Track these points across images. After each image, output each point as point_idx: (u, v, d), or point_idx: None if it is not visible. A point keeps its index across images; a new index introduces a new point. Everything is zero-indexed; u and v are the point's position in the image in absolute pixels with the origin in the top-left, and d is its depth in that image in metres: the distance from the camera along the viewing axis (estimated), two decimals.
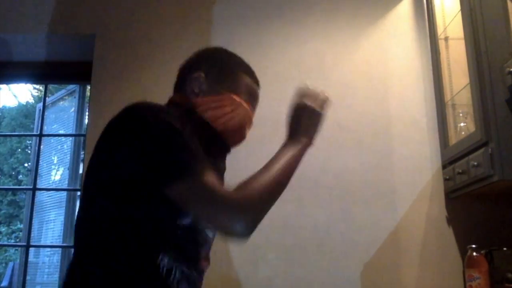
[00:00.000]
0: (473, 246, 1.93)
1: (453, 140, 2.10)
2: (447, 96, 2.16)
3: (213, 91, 1.11)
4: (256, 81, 1.19)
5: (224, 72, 1.14)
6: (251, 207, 0.93)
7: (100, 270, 0.92)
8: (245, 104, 1.13)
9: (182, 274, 0.95)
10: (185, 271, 0.96)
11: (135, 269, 0.91)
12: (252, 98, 1.17)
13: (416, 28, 2.36)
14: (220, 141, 1.12)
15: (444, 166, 2.15)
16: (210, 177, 0.91)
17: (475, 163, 1.78)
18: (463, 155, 1.92)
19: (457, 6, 1.99)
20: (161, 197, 0.90)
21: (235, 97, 1.12)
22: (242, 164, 2.22)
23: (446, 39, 2.22)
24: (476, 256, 1.91)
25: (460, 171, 1.92)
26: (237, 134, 1.16)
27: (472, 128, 1.90)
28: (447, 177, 2.09)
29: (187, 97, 1.12)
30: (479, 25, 1.80)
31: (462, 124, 2.07)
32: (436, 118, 2.23)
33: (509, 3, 1.75)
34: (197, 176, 0.90)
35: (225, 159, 1.18)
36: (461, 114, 2.10)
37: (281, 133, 2.28)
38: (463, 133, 2.04)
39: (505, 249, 1.90)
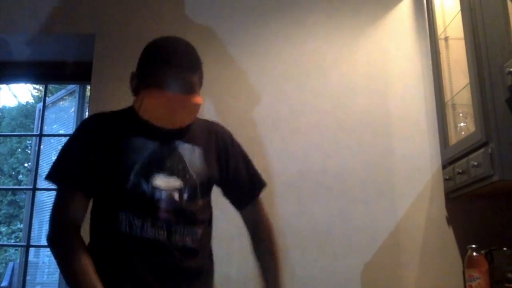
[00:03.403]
0: (473, 246, 1.93)
1: (453, 140, 2.10)
2: (447, 96, 2.16)
3: (138, 90, 1.32)
4: (170, 62, 1.26)
5: (142, 71, 1.32)
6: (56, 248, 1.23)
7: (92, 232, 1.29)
8: (157, 94, 1.24)
9: (142, 224, 1.22)
10: (145, 222, 1.22)
11: (108, 227, 1.24)
12: (168, 82, 1.24)
13: (416, 28, 2.36)
14: (151, 126, 1.28)
15: (444, 166, 2.15)
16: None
17: (475, 163, 1.78)
18: (463, 155, 1.92)
19: (457, 6, 1.99)
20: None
21: (149, 92, 1.26)
22: None
23: (446, 39, 2.22)
24: (476, 256, 1.90)
25: (460, 171, 1.92)
26: (160, 120, 1.28)
27: (472, 128, 1.90)
28: (447, 177, 2.09)
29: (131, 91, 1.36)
30: (479, 25, 1.80)
31: (462, 124, 2.07)
32: (436, 118, 2.23)
33: (509, 3, 1.75)
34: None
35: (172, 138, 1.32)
36: (461, 114, 2.10)
37: (281, 132, 2.30)
38: (463, 133, 2.04)
39: (505, 249, 1.90)
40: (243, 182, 1.47)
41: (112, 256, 1.23)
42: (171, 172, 1.27)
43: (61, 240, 1.22)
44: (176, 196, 1.26)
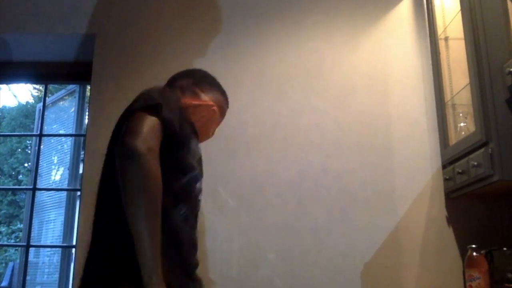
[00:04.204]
0: (473, 246, 1.93)
1: (453, 140, 2.10)
2: (447, 96, 2.16)
3: (196, 96, 1.42)
4: (227, 102, 1.53)
5: (208, 85, 1.47)
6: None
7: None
8: (216, 110, 1.45)
9: (192, 226, 1.24)
10: (193, 223, 1.25)
11: (169, 211, 1.15)
12: (221, 110, 1.50)
13: (416, 28, 2.36)
14: (193, 129, 1.33)
15: (444, 166, 2.15)
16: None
17: (475, 163, 1.78)
18: (463, 155, 1.92)
19: (457, 6, 1.99)
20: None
21: (211, 103, 1.44)
22: (242, 161, 2.24)
23: (446, 39, 2.22)
24: (476, 256, 1.90)
25: (460, 171, 1.92)
26: (205, 133, 1.44)
27: (472, 128, 1.90)
28: (447, 177, 2.09)
29: (181, 87, 1.43)
30: (479, 25, 1.80)
31: (462, 124, 2.07)
32: (436, 118, 2.23)
33: (509, 3, 1.75)
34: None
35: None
36: (461, 114, 2.10)
37: (280, 133, 2.30)
38: (463, 133, 2.04)
39: (505, 249, 1.90)
40: None
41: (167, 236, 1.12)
42: (202, 174, 1.36)
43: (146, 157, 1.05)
44: (200, 197, 1.35)
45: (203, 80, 1.48)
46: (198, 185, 1.31)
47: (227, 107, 1.54)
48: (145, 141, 1.06)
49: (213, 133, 1.51)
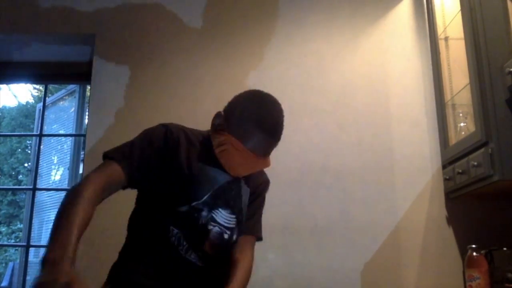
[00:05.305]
0: (473, 246, 1.92)
1: (453, 140, 2.10)
2: (447, 96, 2.16)
3: (222, 131, 1.32)
4: (267, 132, 1.29)
5: (236, 122, 1.31)
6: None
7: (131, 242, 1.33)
8: (241, 148, 1.27)
9: (188, 247, 1.26)
10: (190, 247, 1.26)
11: (156, 231, 1.27)
12: (256, 146, 1.28)
13: (416, 28, 2.36)
14: (218, 162, 1.32)
15: (444, 166, 2.15)
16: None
17: (475, 163, 1.78)
18: (463, 155, 1.92)
19: (457, 6, 1.99)
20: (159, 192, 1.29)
21: (235, 142, 1.27)
22: None
23: (446, 39, 2.22)
24: (476, 256, 1.90)
25: (460, 171, 1.92)
26: (230, 167, 1.30)
27: (472, 128, 1.90)
28: (447, 177, 2.09)
29: (212, 126, 1.37)
30: (479, 25, 1.80)
31: (462, 124, 2.07)
32: (436, 118, 2.23)
33: (509, 3, 1.76)
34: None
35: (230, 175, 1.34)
36: (461, 114, 2.10)
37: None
38: (463, 133, 2.04)
39: (505, 249, 1.90)
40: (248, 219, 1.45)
41: (148, 253, 1.27)
42: (232, 211, 1.33)
43: (78, 190, 1.22)
44: (227, 235, 1.31)
45: (232, 115, 1.33)
46: (204, 213, 1.28)
47: (268, 138, 1.30)
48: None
49: (245, 170, 1.33)
